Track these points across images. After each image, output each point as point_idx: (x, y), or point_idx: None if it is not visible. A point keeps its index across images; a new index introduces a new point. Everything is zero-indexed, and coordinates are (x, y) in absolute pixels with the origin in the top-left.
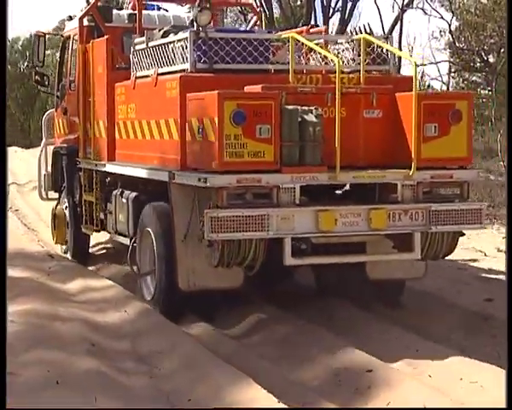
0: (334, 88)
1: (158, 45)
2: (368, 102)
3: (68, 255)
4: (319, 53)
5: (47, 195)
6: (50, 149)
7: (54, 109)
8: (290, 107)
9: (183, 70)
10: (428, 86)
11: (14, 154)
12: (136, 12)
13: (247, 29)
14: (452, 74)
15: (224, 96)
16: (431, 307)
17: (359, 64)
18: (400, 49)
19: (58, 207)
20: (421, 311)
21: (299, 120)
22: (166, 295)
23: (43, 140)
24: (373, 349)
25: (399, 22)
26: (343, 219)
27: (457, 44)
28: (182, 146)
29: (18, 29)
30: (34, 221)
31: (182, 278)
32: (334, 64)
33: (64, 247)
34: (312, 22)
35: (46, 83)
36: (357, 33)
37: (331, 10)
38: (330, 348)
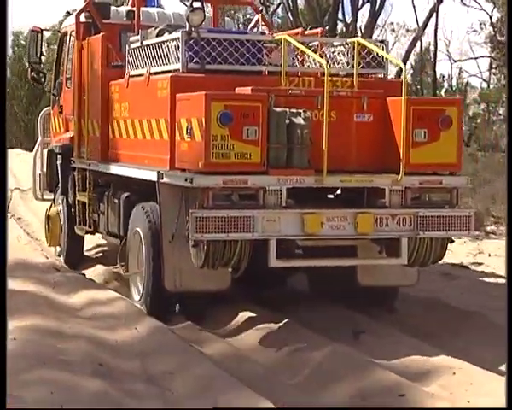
0: (323, 91)
1: (151, 44)
2: (359, 106)
3: (62, 258)
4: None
5: (42, 195)
6: (46, 147)
7: (50, 107)
8: (278, 109)
9: (175, 70)
10: (467, 84)
11: (17, 157)
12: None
13: (241, 30)
14: (493, 70)
15: (212, 97)
16: (464, 325)
17: (353, 67)
18: (436, 43)
19: (52, 208)
20: (457, 329)
21: (288, 122)
22: (153, 296)
23: (39, 139)
24: (400, 369)
25: (435, 14)
26: (329, 223)
27: (499, 38)
28: (171, 146)
29: (21, 21)
30: (38, 230)
31: (168, 279)
32: (328, 67)
33: (58, 249)
34: (340, 15)
35: (42, 80)
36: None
37: (360, 1)
38: (356, 366)
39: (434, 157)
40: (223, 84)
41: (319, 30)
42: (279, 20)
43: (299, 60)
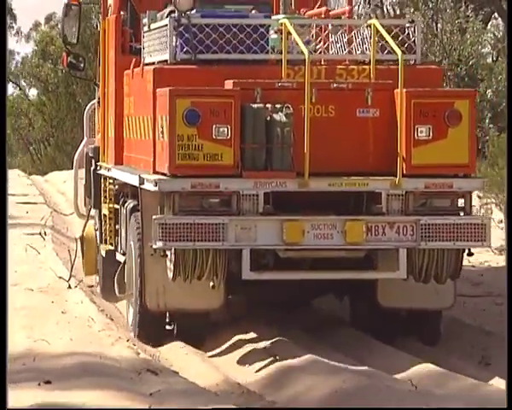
0: (318, 83)
1: (151, 30)
2: (362, 100)
3: (98, 289)
4: (333, 40)
5: (88, 210)
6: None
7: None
8: (255, 105)
9: (164, 61)
10: None
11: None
12: None
13: (241, 13)
14: None
15: (176, 94)
16: None
17: (380, 52)
18: None
19: (88, 226)
20: None
21: (268, 119)
22: (140, 318)
23: (84, 139)
24: None
25: None
26: (314, 231)
27: None
28: (154, 147)
29: None
30: (120, 304)
31: (150, 298)
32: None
33: (97, 279)
34: None
35: (81, 66)
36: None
37: None
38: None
39: (441, 157)
40: (216, 75)
41: (347, 9)
42: None
43: (323, 45)
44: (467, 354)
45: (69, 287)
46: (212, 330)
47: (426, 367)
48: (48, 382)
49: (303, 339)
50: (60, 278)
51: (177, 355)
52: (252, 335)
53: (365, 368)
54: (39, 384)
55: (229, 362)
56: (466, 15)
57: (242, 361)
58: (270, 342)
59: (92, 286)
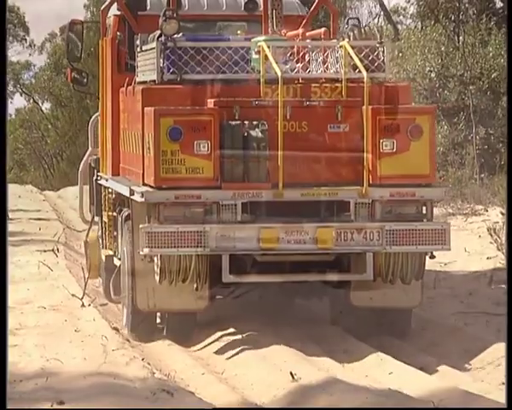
0: (292, 101)
1: (143, 51)
2: (332, 116)
3: (102, 290)
4: (309, 60)
5: (93, 217)
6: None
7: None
8: (233, 122)
9: (152, 81)
10: None
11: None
12: None
13: (223, 36)
14: None
15: (160, 113)
16: None
17: (360, 72)
18: None
19: (91, 232)
20: None
21: (245, 135)
22: (131, 318)
23: (89, 150)
24: None
25: None
26: (288, 237)
27: None
28: (143, 161)
29: None
30: None
31: (140, 298)
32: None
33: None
34: None
35: (85, 81)
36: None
37: None
38: None
39: (404, 168)
40: (199, 94)
41: (322, 30)
42: None
43: (301, 65)
44: (490, 374)
45: (82, 305)
46: (228, 350)
47: (448, 388)
48: (61, 402)
49: (321, 358)
50: (73, 295)
51: (193, 375)
52: (269, 354)
53: (386, 388)
54: (52, 405)
55: (246, 382)
56: (488, 28)
57: (259, 381)
58: (287, 360)
59: (106, 304)
